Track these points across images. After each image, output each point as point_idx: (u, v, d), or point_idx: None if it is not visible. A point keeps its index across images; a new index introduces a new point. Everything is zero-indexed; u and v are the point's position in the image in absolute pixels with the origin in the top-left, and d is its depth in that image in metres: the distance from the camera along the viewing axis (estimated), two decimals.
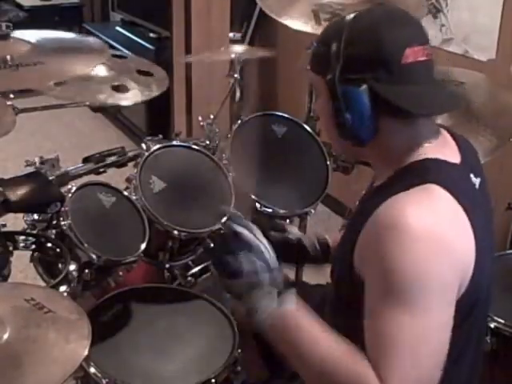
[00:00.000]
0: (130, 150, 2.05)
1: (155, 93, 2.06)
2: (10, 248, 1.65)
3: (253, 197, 1.92)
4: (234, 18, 3.69)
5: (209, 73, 3.56)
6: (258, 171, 2.00)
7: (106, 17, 5.31)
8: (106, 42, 4.41)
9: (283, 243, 1.53)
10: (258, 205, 1.92)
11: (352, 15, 1.15)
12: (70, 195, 1.68)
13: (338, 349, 1.10)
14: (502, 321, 1.64)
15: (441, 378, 1.09)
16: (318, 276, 2.51)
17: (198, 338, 1.56)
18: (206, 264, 1.98)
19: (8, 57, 1.55)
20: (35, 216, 1.73)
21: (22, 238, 1.68)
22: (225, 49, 2.21)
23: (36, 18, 5.08)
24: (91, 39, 1.81)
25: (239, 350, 1.52)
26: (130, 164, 2.01)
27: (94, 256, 1.63)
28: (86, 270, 1.66)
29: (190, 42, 3.58)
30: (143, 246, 1.72)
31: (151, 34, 4.31)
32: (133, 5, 4.73)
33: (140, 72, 2.11)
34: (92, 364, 1.44)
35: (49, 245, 1.67)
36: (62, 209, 1.66)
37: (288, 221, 2.04)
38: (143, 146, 1.95)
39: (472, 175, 1.21)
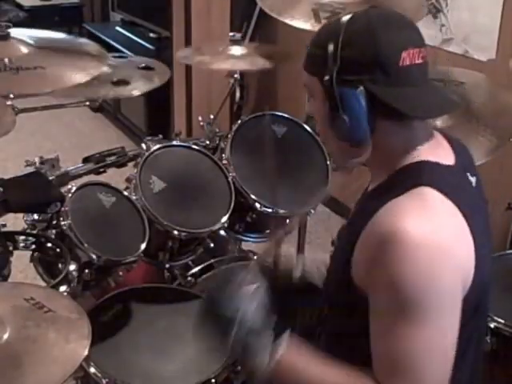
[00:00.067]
0: (130, 150, 2.05)
1: (157, 84, 2.05)
2: (10, 248, 1.65)
3: (253, 197, 1.92)
4: (233, 17, 3.69)
5: (209, 73, 3.56)
6: (257, 171, 2.00)
7: (106, 17, 5.31)
8: (106, 42, 4.43)
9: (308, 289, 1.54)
10: (257, 205, 1.92)
11: (348, 17, 1.15)
12: (70, 195, 1.68)
13: (344, 376, 1.12)
14: (502, 321, 1.64)
15: None
16: None
17: (198, 338, 1.56)
18: (205, 264, 1.98)
19: (6, 60, 1.55)
20: (35, 216, 1.73)
21: (22, 238, 1.68)
22: (224, 48, 2.20)
23: (36, 18, 5.08)
24: (91, 44, 1.80)
25: None
26: (130, 164, 2.01)
27: (93, 256, 1.63)
28: (86, 270, 1.66)
29: (190, 42, 3.58)
30: (143, 245, 1.72)
31: (151, 34, 4.32)
32: (133, 5, 4.73)
33: (141, 68, 2.11)
34: (92, 364, 1.44)
35: (49, 245, 1.67)
36: (62, 209, 1.66)
37: (288, 221, 2.04)
38: (143, 146, 1.95)
39: (468, 174, 1.22)
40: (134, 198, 1.80)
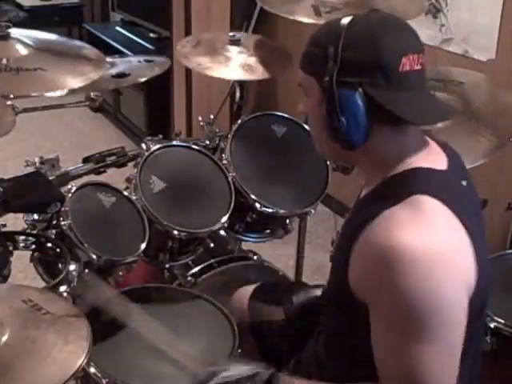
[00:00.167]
0: (130, 150, 2.05)
1: (156, 72, 2.05)
2: (10, 248, 1.65)
3: (253, 197, 1.92)
4: (233, 17, 3.69)
5: None
6: (257, 171, 2.00)
7: (106, 17, 5.31)
8: (106, 42, 4.43)
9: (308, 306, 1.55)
10: (257, 205, 1.92)
11: (348, 18, 1.15)
12: (70, 195, 1.68)
13: None
14: (502, 321, 1.64)
15: None
16: (318, 276, 2.51)
17: (197, 338, 1.56)
18: (205, 264, 1.98)
19: (4, 60, 1.55)
20: (35, 216, 1.73)
21: (22, 238, 1.68)
22: (222, 47, 2.20)
23: (36, 18, 5.08)
24: (91, 51, 1.80)
25: (239, 350, 1.52)
26: (130, 164, 2.01)
27: (93, 256, 1.63)
28: (86, 270, 1.66)
29: None
30: (143, 245, 1.72)
31: (151, 34, 4.32)
32: (133, 5, 4.73)
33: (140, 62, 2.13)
34: (92, 364, 1.44)
35: (49, 245, 1.67)
36: (62, 209, 1.66)
37: (288, 221, 2.04)
38: (143, 146, 1.95)
39: (460, 178, 1.21)
40: (134, 197, 1.80)
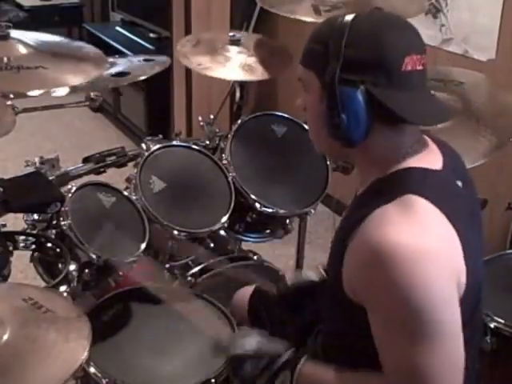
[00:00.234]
0: (130, 150, 2.05)
1: (156, 70, 2.06)
2: (10, 248, 1.65)
3: (253, 197, 1.92)
4: (233, 17, 3.69)
5: None
6: (257, 171, 2.00)
7: (105, 17, 5.32)
8: (106, 42, 4.43)
9: (302, 293, 1.55)
10: (257, 205, 1.92)
11: (352, 16, 1.15)
12: (70, 195, 1.68)
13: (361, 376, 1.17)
14: (502, 321, 1.64)
15: None
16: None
17: (197, 338, 1.56)
18: (205, 264, 1.98)
19: (5, 58, 1.55)
20: (35, 216, 1.73)
21: (22, 238, 1.68)
22: (223, 46, 2.20)
23: (36, 18, 5.08)
24: (91, 49, 1.80)
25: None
26: (130, 164, 2.01)
27: (93, 256, 1.63)
28: (86, 270, 1.66)
29: None
30: (143, 245, 1.72)
31: (151, 34, 4.32)
32: (133, 5, 4.73)
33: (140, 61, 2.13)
34: (92, 364, 1.44)
35: (49, 245, 1.67)
36: (62, 209, 1.66)
37: (288, 221, 2.04)
38: (143, 146, 1.95)
39: (455, 178, 1.22)
40: (134, 197, 1.80)
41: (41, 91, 1.62)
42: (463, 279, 1.10)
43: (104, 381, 1.44)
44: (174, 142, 2.01)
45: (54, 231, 1.70)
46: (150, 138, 2.02)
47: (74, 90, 1.94)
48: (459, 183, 1.22)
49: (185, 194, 1.90)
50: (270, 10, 2.12)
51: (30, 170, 1.82)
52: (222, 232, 1.95)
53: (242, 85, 2.35)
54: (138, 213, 1.77)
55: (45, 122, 4.46)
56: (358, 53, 1.11)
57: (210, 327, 1.60)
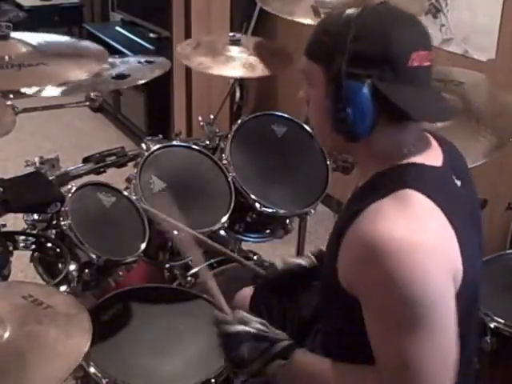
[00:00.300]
0: (129, 150, 2.06)
1: (157, 74, 2.05)
2: (10, 248, 1.65)
3: (253, 197, 1.92)
4: (233, 17, 3.69)
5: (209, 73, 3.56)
6: (257, 171, 2.00)
7: (105, 17, 5.31)
8: (106, 42, 4.43)
9: (289, 276, 1.54)
10: (257, 205, 1.92)
11: (359, 9, 1.13)
12: (70, 195, 1.68)
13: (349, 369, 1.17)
14: (502, 321, 1.64)
15: None
16: None
17: (198, 338, 1.56)
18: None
19: (6, 57, 1.56)
20: (35, 216, 1.73)
21: (22, 238, 1.68)
22: (223, 46, 2.20)
23: (36, 18, 5.07)
24: (91, 44, 1.81)
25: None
26: (130, 164, 2.01)
27: (93, 256, 1.63)
28: (86, 270, 1.66)
29: None
30: (143, 245, 1.72)
31: (151, 34, 4.31)
32: (133, 5, 4.73)
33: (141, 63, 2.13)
34: (92, 364, 1.44)
35: (49, 245, 1.67)
36: (62, 209, 1.66)
37: (288, 221, 2.04)
38: (143, 146, 1.95)
39: (454, 177, 1.21)
40: (134, 197, 1.80)
41: (42, 87, 1.62)
42: (459, 275, 1.10)
43: (104, 381, 1.44)
44: (174, 142, 2.01)
45: (54, 231, 1.70)
46: (150, 137, 2.02)
47: (73, 90, 1.95)
48: (458, 182, 1.22)
49: (185, 194, 1.90)
50: (270, 11, 2.12)
51: (30, 169, 1.82)
52: (222, 232, 1.95)
53: (242, 85, 2.35)
54: (137, 213, 1.77)
55: (45, 122, 4.46)
56: (365, 47, 1.10)
57: (210, 327, 1.60)
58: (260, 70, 2.13)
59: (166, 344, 1.55)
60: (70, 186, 1.73)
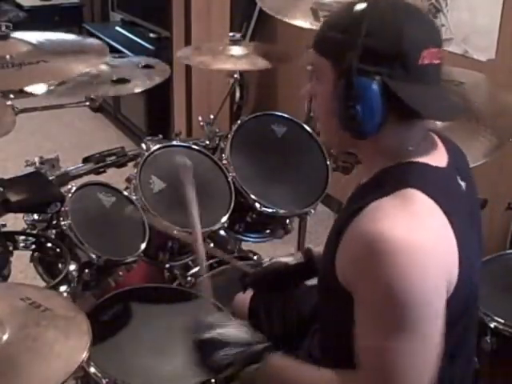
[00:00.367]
0: (129, 150, 2.06)
1: (157, 81, 2.05)
2: (10, 248, 1.65)
3: (253, 197, 1.92)
4: (233, 17, 3.69)
5: (209, 72, 3.56)
6: (257, 171, 2.00)
7: (105, 17, 5.31)
8: (106, 42, 4.42)
9: (275, 275, 1.54)
10: (257, 205, 1.92)
11: (371, 4, 1.11)
12: (70, 195, 1.68)
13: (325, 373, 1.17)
14: (502, 321, 1.64)
15: (436, 378, 1.10)
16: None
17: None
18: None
19: (7, 56, 1.56)
20: (35, 216, 1.73)
21: (22, 238, 1.69)
22: (223, 48, 2.21)
23: (36, 18, 5.07)
24: (91, 40, 1.81)
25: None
26: (130, 164, 2.01)
27: (93, 256, 1.63)
28: (86, 270, 1.66)
29: (190, 42, 3.58)
30: (143, 245, 1.72)
31: (151, 34, 4.31)
32: (133, 5, 4.72)
33: (141, 67, 2.12)
34: (92, 364, 1.44)
35: (49, 245, 1.67)
36: (62, 209, 1.66)
37: (288, 221, 2.04)
38: (143, 146, 1.96)
39: (459, 178, 1.21)
40: (134, 198, 1.80)
41: (43, 84, 1.63)
42: (455, 276, 1.09)
43: (104, 381, 1.44)
44: (174, 142, 2.01)
45: (54, 231, 1.70)
46: (150, 137, 2.02)
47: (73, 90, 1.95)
48: (462, 183, 1.21)
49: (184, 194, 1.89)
50: (269, 12, 2.11)
51: (30, 170, 1.82)
52: (222, 232, 1.96)
53: (242, 85, 2.35)
54: (137, 213, 1.77)
55: (45, 122, 4.46)
56: (377, 43, 1.08)
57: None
58: (261, 64, 2.13)
59: (165, 344, 1.55)
60: (69, 186, 1.73)
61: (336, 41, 1.12)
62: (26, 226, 1.73)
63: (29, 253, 1.69)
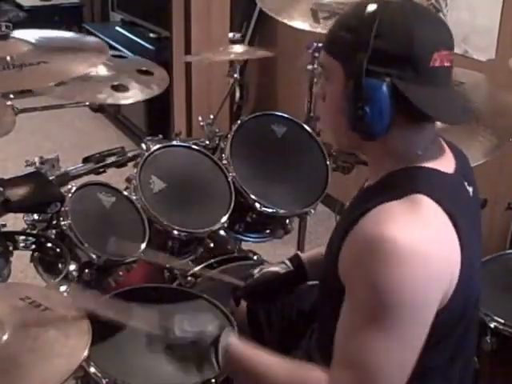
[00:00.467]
0: (129, 150, 2.06)
1: (155, 92, 2.05)
2: (10, 248, 1.65)
3: (253, 197, 1.92)
4: (233, 17, 3.69)
5: (208, 73, 3.56)
6: (257, 171, 2.00)
7: (105, 17, 5.31)
8: (106, 42, 4.42)
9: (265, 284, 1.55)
10: (257, 205, 1.92)
11: (382, 5, 1.10)
12: (70, 195, 1.68)
13: (290, 364, 1.17)
14: (502, 321, 1.64)
15: (436, 378, 1.10)
16: None
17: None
18: (205, 264, 1.98)
19: (8, 58, 1.56)
20: (35, 216, 1.73)
21: (22, 238, 1.68)
22: (224, 49, 2.21)
23: (36, 18, 5.07)
24: (91, 39, 1.82)
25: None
26: (130, 164, 2.01)
27: (93, 256, 1.63)
28: (86, 270, 1.66)
29: (190, 41, 3.58)
30: (143, 245, 1.72)
31: (151, 34, 4.31)
32: (133, 5, 4.73)
33: (140, 71, 2.11)
34: (92, 364, 1.44)
35: (49, 245, 1.67)
36: (62, 209, 1.66)
37: (288, 221, 2.04)
38: (143, 146, 1.96)
39: (466, 183, 1.21)
40: (134, 197, 1.80)
41: (44, 85, 1.63)
42: (456, 277, 1.09)
43: (104, 381, 1.44)
44: (174, 142, 2.01)
45: (54, 231, 1.70)
46: (150, 137, 2.02)
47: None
48: (470, 188, 1.21)
49: (185, 193, 1.90)
50: (269, 13, 2.11)
51: (30, 170, 1.82)
52: (222, 232, 1.95)
53: (242, 85, 2.35)
54: (137, 213, 1.77)
55: (45, 122, 4.46)
56: (388, 45, 1.08)
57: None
58: (261, 54, 2.13)
59: (166, 344, 1.55)
60: (69, 186, 1.73)
61: (346, 42, 1.12)
62: (26, 226, 1.73)
63: (29, 253, 1.69)
